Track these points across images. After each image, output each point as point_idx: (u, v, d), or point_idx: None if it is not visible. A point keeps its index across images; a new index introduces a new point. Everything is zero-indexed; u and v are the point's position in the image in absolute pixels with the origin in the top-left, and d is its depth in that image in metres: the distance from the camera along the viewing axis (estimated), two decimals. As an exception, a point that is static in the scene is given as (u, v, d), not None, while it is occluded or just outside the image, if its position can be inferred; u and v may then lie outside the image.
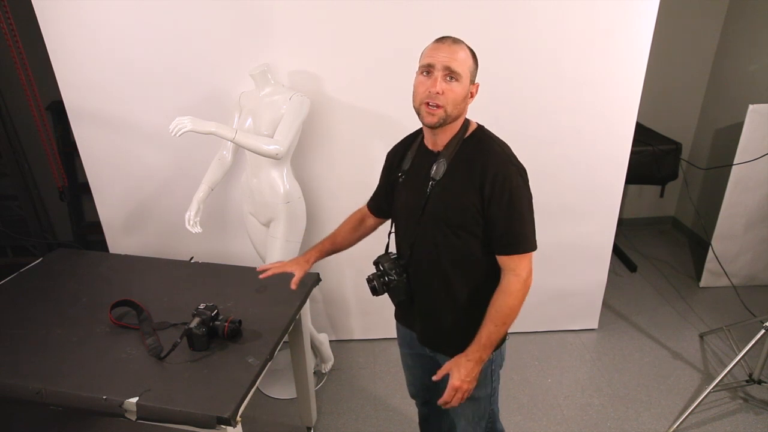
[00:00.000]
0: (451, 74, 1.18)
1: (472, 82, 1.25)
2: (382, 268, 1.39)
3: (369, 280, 1.41)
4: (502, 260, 1.26)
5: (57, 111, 3.13)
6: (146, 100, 2.24)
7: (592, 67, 2.20)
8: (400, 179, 1.39)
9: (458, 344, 1.35)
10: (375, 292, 1.39)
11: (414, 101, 1.25)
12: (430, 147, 1.32)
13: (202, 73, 2.19)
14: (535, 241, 1.25)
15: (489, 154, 1.22)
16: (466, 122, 1.30)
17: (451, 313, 1.35)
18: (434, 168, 1.28)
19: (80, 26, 2.11)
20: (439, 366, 1.43)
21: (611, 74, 2.22)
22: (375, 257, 1.42)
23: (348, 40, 2.14)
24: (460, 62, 1.19)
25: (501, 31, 2.13)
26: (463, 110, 1.25)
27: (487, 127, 1.33)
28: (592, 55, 2.18)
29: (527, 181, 1.25)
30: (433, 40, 1.24)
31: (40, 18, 2.10)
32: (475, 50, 1.26)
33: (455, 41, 1.22)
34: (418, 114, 1.24)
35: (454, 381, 1.26)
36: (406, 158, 1.39)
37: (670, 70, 3.43)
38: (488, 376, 1.38)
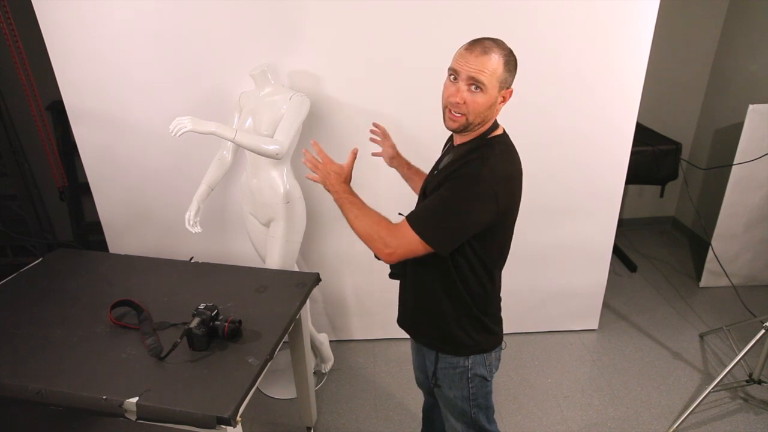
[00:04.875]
0: (475, 84, 1.16)
1: (506, 87, 1.22)
2: None
3: None
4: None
5: (57, 111, 3.13)
6: (146, 100, 2.24)
7: (592, 67, 2.20)
8: None
9: (427, 333, 1.40)
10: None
11: (441, 101, 1.25)
12: (453, 141, 1.35)
13: (202, 73, 2.19)
14: (422, 227, 1.19)
15: (477, 158, 1.20)
16: (492, 128, 1.27)
17: (420, 300, 1.38)
18: (444, 160, 1.31)
19: (80, 26, 2.11)
20: (424, 355, 1.47)
21: (611, 74, 2.22)
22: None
23: (348, 40, 2.14)
24: (488, 73, 1.15)
25: (501, 31, 2.10)
26: (489, 117, 1.23)
27: None
28: (592, 55, 2.18)
29: (484, 200, 1.17)
30: (468, 42, 1.21)
31: (40, 18, 2.10)
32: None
33: (485, 51, 1.16)
34: (443, 114, 1.25)
35: (322, 169, 1.32)
36: (447, 144, 1.45)
37: (670, 70, 3.43)
38: (464, 379, 1.38)
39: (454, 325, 1.33)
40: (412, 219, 1.22)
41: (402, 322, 1.52)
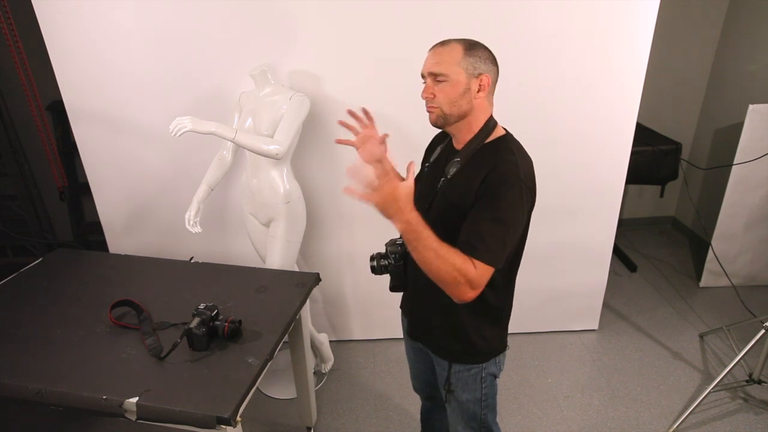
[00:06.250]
0: (437, 76, 1.20)
1: (475, 75, 1.20)
2: (384, 251, 1.41)
3: (371, 258, 1.41)
4: None
5: (57, 111, 3.14)
6: (146, 100, 2.24)
7: (592, 67, 2.20)
8: (425, 169, 1.42)
9: (442, 344, 1.37)
10: (372, 270, 1.40)
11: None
12: (454, 145, 1.32)
13: (202, 73, 2.19)
14: (496, 258, 1.13)
15: (499, 162, 1.18)
16: (491, 125, 1.26)
17: (437, 312, 1.35)
18: (448, 166, 1.28)
19: (80, 26, 2.11)
20: (433, 361, 1.45)
21: (611, 74, 2.22)
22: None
23: (349, 40, 2.14)
24: (445, 63, 1.19)
25: (501, 31, 2.13)
26: (468, 107, 1.21)
27: None
28: (592, 56, 2.18)
29: (525, 201, 1.17)
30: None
31: (40, 18, 2.10)
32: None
33: (442, 44, 1.22)
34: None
35: (374, 190, 1.08)
36: (437, 150, 1.41)
37: (670, 70, 3.43)
38: (477, 381, 1.37)
39: (475, 335, 1.32)
40: (480, 253, 1.12)
41: (415, 335, 1.48)
